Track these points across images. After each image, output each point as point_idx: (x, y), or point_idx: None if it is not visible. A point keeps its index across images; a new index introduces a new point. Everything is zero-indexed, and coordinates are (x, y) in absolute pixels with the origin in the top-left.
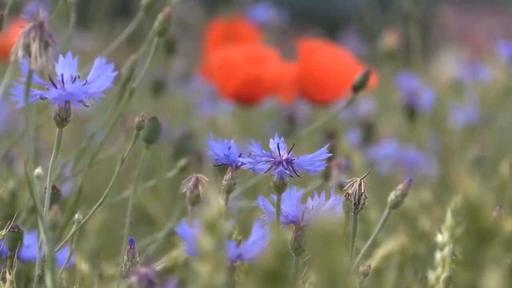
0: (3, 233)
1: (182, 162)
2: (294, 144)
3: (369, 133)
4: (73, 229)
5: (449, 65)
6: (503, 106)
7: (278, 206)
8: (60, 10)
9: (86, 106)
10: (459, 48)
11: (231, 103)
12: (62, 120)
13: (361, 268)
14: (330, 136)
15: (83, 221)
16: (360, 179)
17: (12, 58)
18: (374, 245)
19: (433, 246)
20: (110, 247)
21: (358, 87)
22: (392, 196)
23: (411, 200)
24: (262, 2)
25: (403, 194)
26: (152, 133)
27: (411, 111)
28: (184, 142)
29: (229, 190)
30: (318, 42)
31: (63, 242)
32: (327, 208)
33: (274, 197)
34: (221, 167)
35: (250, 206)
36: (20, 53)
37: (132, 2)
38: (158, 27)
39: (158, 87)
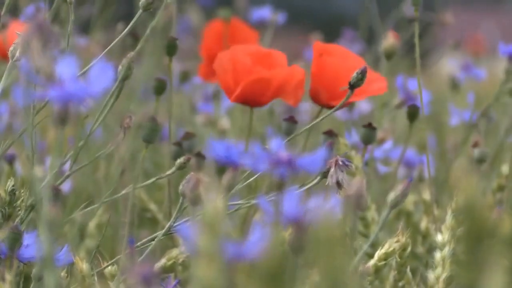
0: (1, 233)
1: (181, 160)
2: (293, 144)
3: (369, 133)
4: (73, 228)
5: (448, 65)
6: (503, 106)
7: (278, 206)
8: (61, 11)
9: (86, 106)
10: (459, 48)
11: (236, 103)
12: (61, 120)
13: (361, 268)
14: (330, 135)
15: (82, 220)
16: (360, 179)
17: (12, 58)
18: (373, 245)
19: (431, 246)
20: (110, 246)
21: (354, 85)
22: (392, 195)
23: (408, 199)
24: (262, 3)
25: (403, 194)
26: (151, 133)
27: (409, 111)
28: (184, 142)
29: (229, 189)
30: (331, 44)
31: (62, 242)
32: (328, 208)
33: (274, 196)
34: (222, 167)
35: (250, 204)
36: (19, 53)
37: (135, 4)
38: (142, 2)
39: (160, 87)
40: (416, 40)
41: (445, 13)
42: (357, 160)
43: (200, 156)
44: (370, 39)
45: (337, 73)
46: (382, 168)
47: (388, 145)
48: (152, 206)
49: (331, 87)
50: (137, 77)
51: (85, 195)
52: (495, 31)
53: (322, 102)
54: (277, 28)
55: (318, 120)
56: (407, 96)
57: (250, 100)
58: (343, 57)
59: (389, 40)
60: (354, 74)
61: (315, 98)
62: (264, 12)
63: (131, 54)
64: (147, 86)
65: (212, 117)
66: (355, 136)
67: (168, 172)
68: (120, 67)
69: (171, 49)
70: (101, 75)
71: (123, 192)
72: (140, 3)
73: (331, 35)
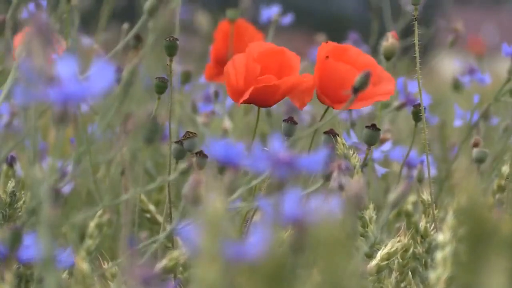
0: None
1: (183, 165)
2: (295, 144)
3: (373, 134)
4: (73, 229)
5: (451, 66)
6: (504, 106)
7: (278, 207)
8: (63, 11)
9: (86, 106)
10: (456, 44)
11: (243, 104)
12: (61, 120)
13: (361, 269)
14: (331, 136)
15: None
16: (360, 180)
17: (14, 58)
18: (372, 245)
19: (430, 246)
20: (111, 246)
21: (357, 89)
22: (392, 196)
23: (408, 199)
24: (264, 3)
25: (403, 195)
26: (151, 133)
27: (414, 111)
28: (185, 142)
29: (229, 190)
30: (340, 45)
31: (63, 242)
32: (328, 209)
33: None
34: (223, 167)
35: (251, 205)
36: (21, 53)
37: (139, 6)
38: (147, 6)
39: (161, 86)
40: (416, 40)
41: (457, 21)
42: (354, 160)
43: (201, 155)
44: (372, 39)
45: (343, 75)
46: (380, 170)
47: (387, 146)
48: (152, 207)
49: (337, 89)
50: (138, 77)
51: (85, 195)
52: (495, 31)
53: (328, 103)
54: (279, 28)
55: (321, 123)
56: (408, 99)
57: (258, 102)
58: (352, 59)
59: (389, 40)
60: (358, 78)
61: (321, 99)
62: (273, 12)
63: (135, 59)
64: (148, 86)
65: (213, 117)
66: (354, 137)
67: (170, 177)
68: (124, 72)
69: (171, 49)
70: (101, 75)
71: (125, 197)
72: (145, 6)
73: (331, 35)
